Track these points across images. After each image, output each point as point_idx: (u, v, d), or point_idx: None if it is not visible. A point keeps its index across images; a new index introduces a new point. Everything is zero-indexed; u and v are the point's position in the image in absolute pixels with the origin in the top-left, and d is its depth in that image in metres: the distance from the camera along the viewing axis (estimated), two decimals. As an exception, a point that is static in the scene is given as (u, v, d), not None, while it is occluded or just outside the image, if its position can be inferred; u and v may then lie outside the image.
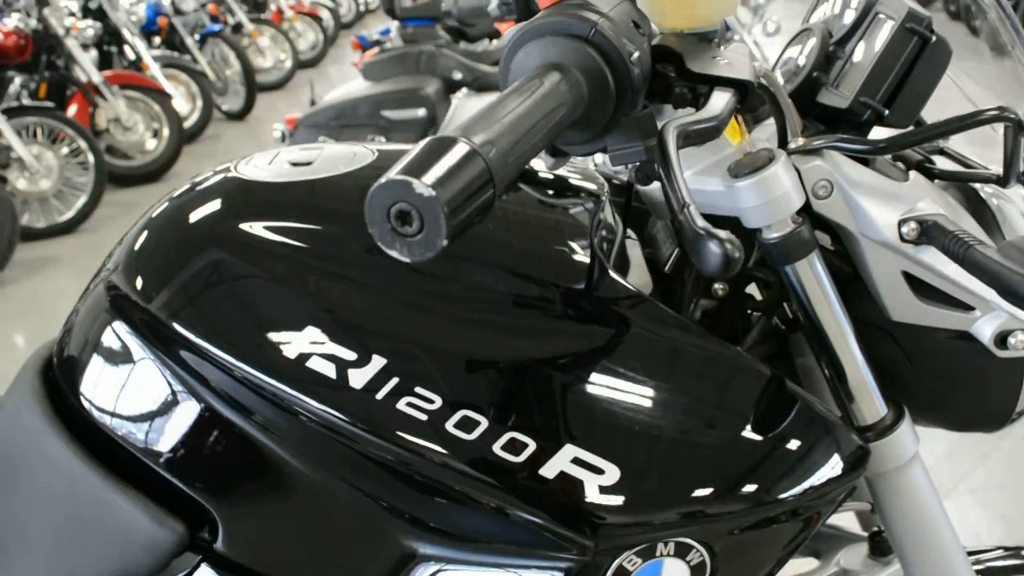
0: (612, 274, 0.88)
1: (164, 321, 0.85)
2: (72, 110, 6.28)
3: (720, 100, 0.75)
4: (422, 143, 0.58)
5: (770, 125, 0.94)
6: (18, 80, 6.42)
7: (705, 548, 0.81)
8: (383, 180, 0.56)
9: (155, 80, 6.91)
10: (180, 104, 7.42)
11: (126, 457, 0.87)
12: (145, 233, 0.94)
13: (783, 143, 0.90)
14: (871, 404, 0.92)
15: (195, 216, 0.91)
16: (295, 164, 0.96)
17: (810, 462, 0.84)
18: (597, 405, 0.81)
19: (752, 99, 0.78)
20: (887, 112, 0.90)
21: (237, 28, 9.51)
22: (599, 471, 0.78)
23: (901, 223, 0.86)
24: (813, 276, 0.88)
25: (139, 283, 0.89)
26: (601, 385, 0.81)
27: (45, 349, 1.02)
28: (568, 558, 0.79)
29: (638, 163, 0.78)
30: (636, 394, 0.82)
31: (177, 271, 0.87)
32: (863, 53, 0.92)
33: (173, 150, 6.81)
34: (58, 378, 0.96)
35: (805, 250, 0.86)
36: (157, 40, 8.41)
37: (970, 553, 1.02)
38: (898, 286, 0.89)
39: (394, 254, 0.58)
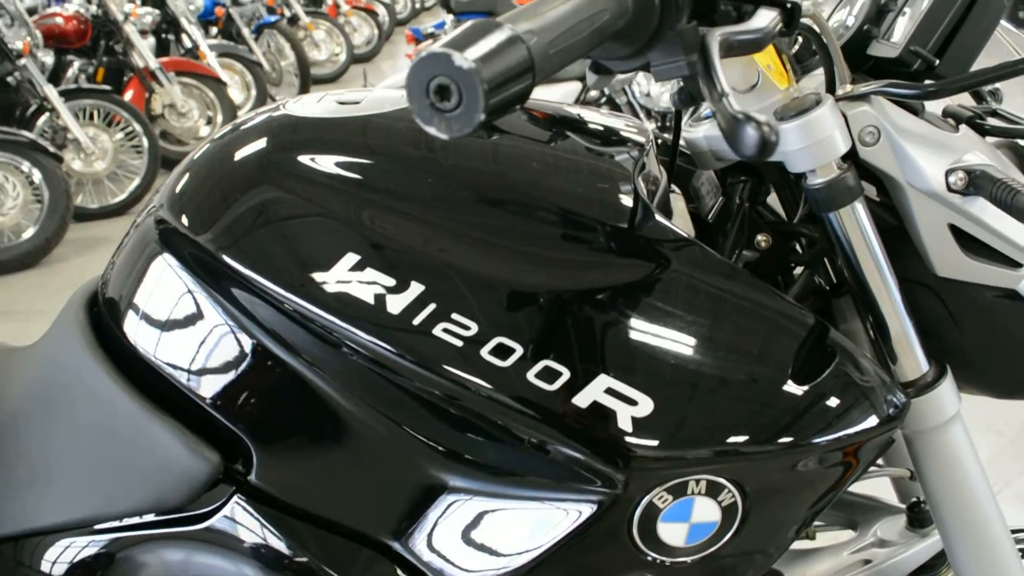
0: (657, 216, 0.87)
1: (213, 254, 0.86)
2: (128, 95, 6.35)
3: (766, 16, 0.74)
4: (466, 25, 0.58)
5: (819, 75, 0.94)
6: (77, 64, 6.54)
7: (737, 488, 0.80)
8: (423, 54, 0.56)
9: (211, 68, 6.98)
10: (235, 93, 7.49)
11: (167, 389, 0.89)
12: (194, 168, 0.95)
13: (831, 90, 0.89)
14: (912, 360, 0.91)
15: (245, 150, 0.92)
16: (343, 103, 0.97)
17: (848, 410, 0.82)
18: (635, 338, 0.80)
19: (796, 22, 0.77)
20: (937, 62, 0.89)
21: (293, 20, 9.60)
22: (632, 402, 0.77)
23: (948, 173, 0.85)
24: (857, 225, 0.86)
25: (189, 216, 0.90)
26: (640, 320, 0.81)
27: (90, 284, 1.03)
28: (598, 491, 0.79)
29: (681, 84, 0.77)
30: (675, 331, 0.81)
31: (226, 204, 0.88)
32: (915, 2, 0.91)
33: (226, 138, 6.87)
34: (103, 311, 0.97)
35: (850, 196, 0.85)
36: (214, 30, 8.51)
37: (1013, 531, 1.00)
38: (944, 239, 0.87)
39: (432, 130, 0.58)
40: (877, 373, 0.86)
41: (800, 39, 0.99)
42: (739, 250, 0.97)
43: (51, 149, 5.06)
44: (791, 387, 0.81)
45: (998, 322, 0.90)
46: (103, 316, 0.97)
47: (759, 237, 0.97)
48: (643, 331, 0.80)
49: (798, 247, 1.00)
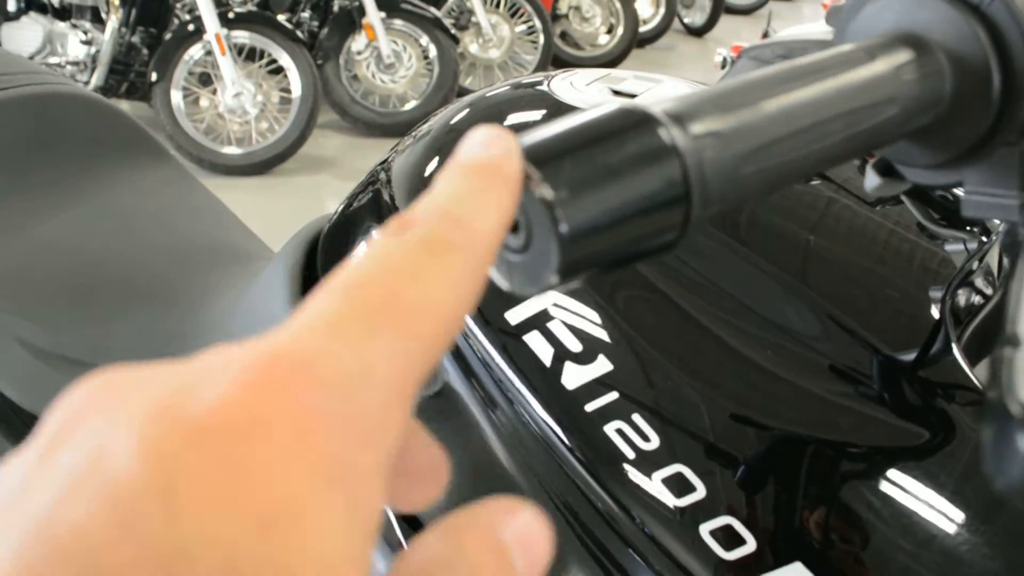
0: (955, 351, 0.62)
1: None
2: (540, -11, 6.44)
3: None
4: (599, 108, 0.32)
5: None
6: (503, -51, 6.68)
7: None
8: None
9: (626, -22, 6.93)
10: (643, 7, 7.41)
11: None
12: (432, 130, 0.84)
13: None
14: None
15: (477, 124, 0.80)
16: (616, 92, 0.82)
17: None
18: (855, 521, 0.57)
19: None
20: None
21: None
22: None
23: None
24: None
25: (400, 190, 0.79)
26: (872, 497, 0.57)
27: (321, 221, 0.96)
28: None
29: (1008, 224, 0.52)
30: (921, 525, 0.56)
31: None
32: None
33: (622, 50, 6.82)
34: (318, 260, 0.90)
35: None
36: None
37: None
38: None
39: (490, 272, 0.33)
40: None
41: None
42: None
43: (451, 30, 5.21)
44: None
45: None
46: (317, 269, 0.89)
47: None
48: (871, 515, 0.57)
49: None
